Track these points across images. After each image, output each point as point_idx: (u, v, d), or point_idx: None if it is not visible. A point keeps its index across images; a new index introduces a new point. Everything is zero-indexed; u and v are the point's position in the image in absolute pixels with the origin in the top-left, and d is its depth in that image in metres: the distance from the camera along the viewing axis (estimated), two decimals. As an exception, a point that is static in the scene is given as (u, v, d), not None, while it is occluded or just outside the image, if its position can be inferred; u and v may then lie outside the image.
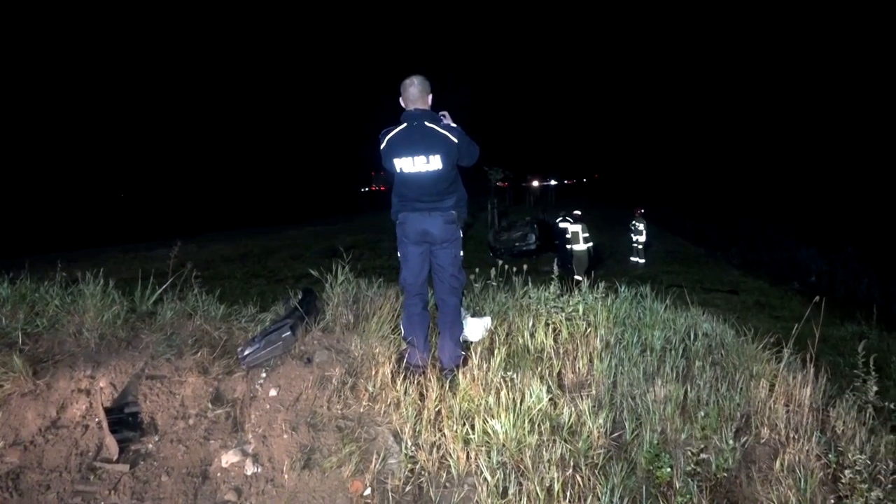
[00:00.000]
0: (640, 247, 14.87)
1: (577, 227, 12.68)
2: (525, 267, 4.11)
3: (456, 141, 3.01)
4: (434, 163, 3.01)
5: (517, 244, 16.46)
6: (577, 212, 13.13)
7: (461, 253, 3.20)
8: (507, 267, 4.18)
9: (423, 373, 3.09)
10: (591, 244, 12.91)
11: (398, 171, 3.06)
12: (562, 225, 13.28)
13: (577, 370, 3.13)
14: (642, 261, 14.77)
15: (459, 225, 3.17)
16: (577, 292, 3.82)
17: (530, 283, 3.99)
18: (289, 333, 3.16)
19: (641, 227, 14.94)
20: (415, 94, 3.03)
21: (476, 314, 3.75)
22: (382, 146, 3.06)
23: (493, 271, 4.10)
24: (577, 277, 12.51)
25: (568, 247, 12.91)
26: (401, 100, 3.08)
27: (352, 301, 3.62)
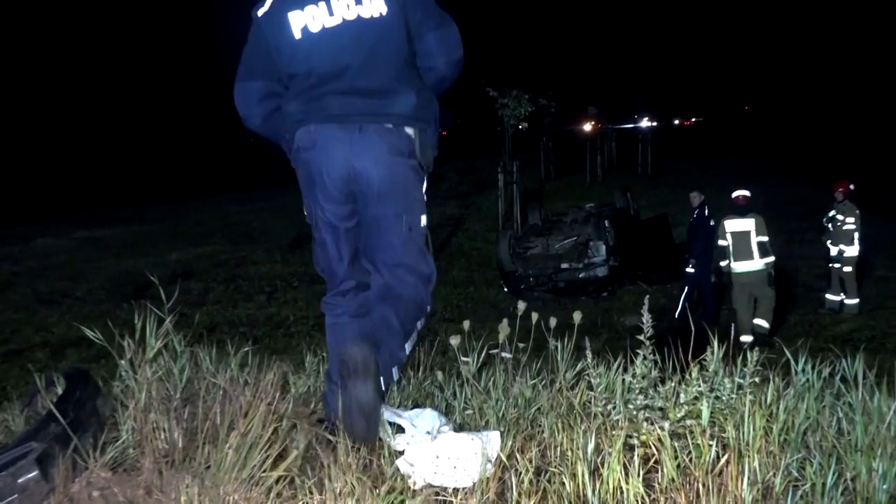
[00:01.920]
0: (849, 269, 15.14)
1: (748, 223, 13.11)
2: (578, 316, 4.19)
3: None
4: (373, 2, 3.57)
5: (566, 266, 16.77)
6: (744, 192, 13.51)
7: (424, 221, 3.73)
8: (536, 316, 4.23)
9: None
10: (771, 260, 13.29)
11: (297, 37, 3.61)
12: (713, 218, 13.76)
13: (696, 551, 3.16)
14: (853, 301, 15.08)
15: (424, 161, 3.70)
16: (695, 375, 3.87)
17: (590, 355, 4.03)
18: (34, 474, 3.15)
19: (850, 224, 15.16)
20: None
21: (464, 426, 3.77)
22: (262, 11, 3.71)
23: (503, 327, 4.15)
24: (744, 338, 12.67)
25: (724, 265, 13.35)
26: None
27: (180, 399, 3.65)
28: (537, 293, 16.24)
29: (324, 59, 3.56)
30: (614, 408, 3.85)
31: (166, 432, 3.56)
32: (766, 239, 13.11)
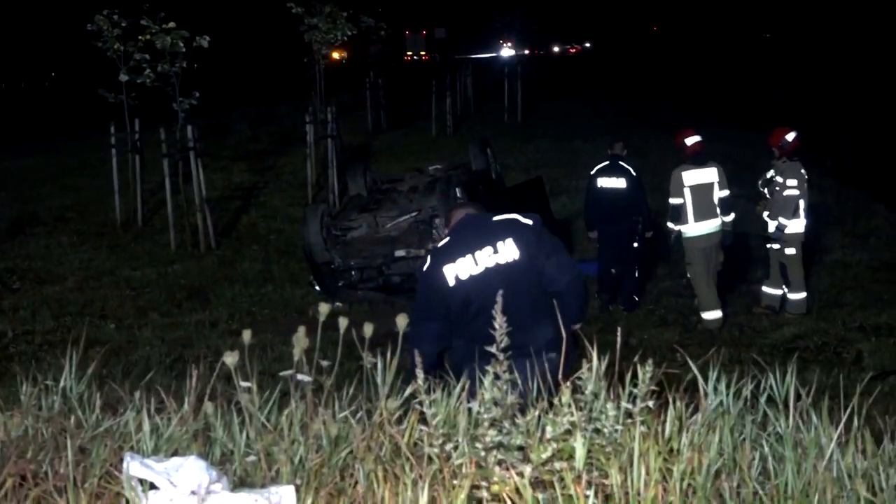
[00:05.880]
0: (792, 251, 13.32)
1: (710, 174, 12.65)
2: (404, 321, 3.78)
3: (530, 223, 5.49)
4: (507, 250, 5.36)
5: (402, 253, 14.65)
6: (698, 137, 12.88)
7: None
8: (346, 323, 3.71)
9: None
10: (731, 219, 12.87)
11: (451, 284, 5.41)
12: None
13: None
14: (799, 295, 13.40)
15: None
16: (566, 401, 3.30)
17: (421, 375, 3.47)
18: None
19: (793, 189, 13.24)
20: (462, 210, 5.90)
21: (245, 480, 3.38)
22: (426, 267, 5.61)
23: (299, 339, 3.51)
24: (709, 315, 13.04)
25: (675, 228, 12.74)
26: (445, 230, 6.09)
27: None
28: (363, 291, 14.17)
29: (474, 301, 5.21)
30: (456, 448, 3.40)
31: None
32: (728, 193, 12.51)
